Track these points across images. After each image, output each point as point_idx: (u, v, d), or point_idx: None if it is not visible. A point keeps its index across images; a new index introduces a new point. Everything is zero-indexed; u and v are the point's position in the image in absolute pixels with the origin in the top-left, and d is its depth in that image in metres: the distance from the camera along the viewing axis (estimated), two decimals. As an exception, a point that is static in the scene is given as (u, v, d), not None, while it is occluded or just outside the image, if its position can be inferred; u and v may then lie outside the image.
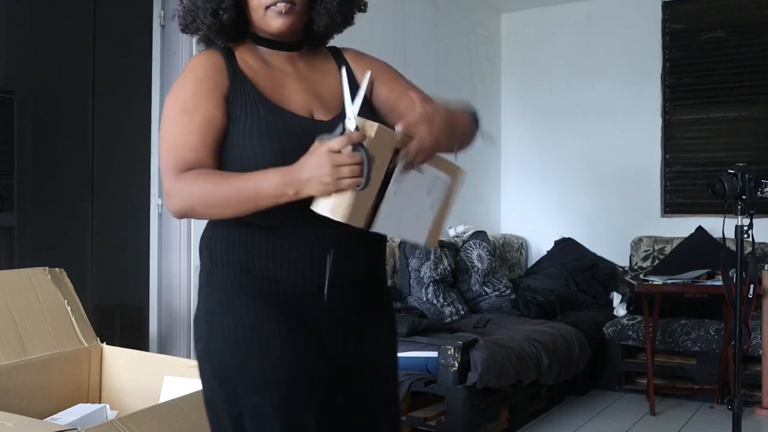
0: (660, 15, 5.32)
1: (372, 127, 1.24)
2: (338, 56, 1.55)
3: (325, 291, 1.37)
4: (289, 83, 1.45)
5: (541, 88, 5.72)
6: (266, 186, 1.27)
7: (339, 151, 1.21)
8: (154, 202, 3.29)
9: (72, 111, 5.39)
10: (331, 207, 1.23)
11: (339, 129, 1.25)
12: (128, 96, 4.74)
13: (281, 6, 1.38)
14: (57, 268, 2.31)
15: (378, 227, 1.29)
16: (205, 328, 1.40)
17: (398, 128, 1.26)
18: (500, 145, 5.88)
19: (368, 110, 1.44)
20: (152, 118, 3.32)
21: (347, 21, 1.52)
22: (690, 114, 5.25)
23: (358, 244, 1.41)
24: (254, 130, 1.35)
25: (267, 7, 1.39)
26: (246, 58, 1.45)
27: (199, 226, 3.25)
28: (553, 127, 5.67)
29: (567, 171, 5.60)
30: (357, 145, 1.22)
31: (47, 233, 5.27)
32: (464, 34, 5.45)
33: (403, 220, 1.34)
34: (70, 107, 5.39)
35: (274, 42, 1.46)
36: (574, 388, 4.28)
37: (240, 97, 1.39)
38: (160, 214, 3.29)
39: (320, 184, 1.22)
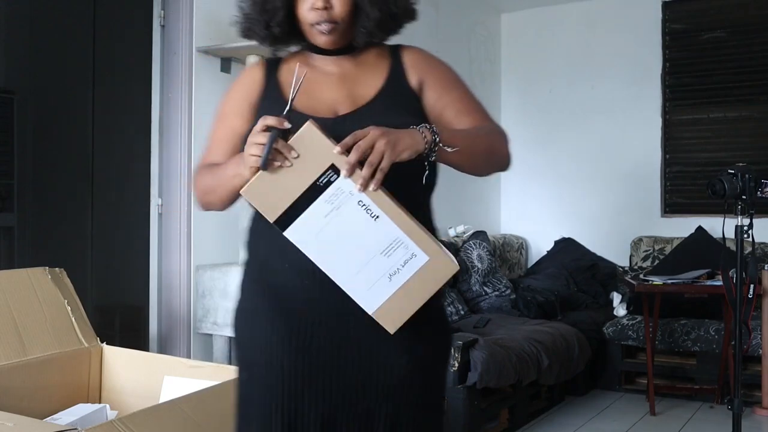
0: (660, 15, 5.32)
1: (307, 125, 1.24)
2: (395, 55, 1.56)
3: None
4: (324, 85, 1.50)
5: (541, 88, 5.72)
6: (230, 167, 1.38)
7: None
8: (154, 202, 3.30)
9: (72, 111, 5.39)
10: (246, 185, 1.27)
11: (293, 91, 1.30)
12: (128, 96, 4.74)
13: (324, 27, 1.44)
14: (57, 268, 2.31)
15: (291, 233, 1.26)
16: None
17: (336, 149, 1.23)
18: (500, 145, 5.87)
19: (420, 115, 1.46)
20: (152, 118, 3.32)
21: (391, 33, 1.55)
22: (690, 114, 5.25)
23: None
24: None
25: (312, 26, 1.45)
26: (292, 64, 1.51)
27: (199, 227, 3.26)
28: (553, 127, 5.67)
29: (567, 171, 5.60)
30: (270, 128, 1.24)
31: (47, 233, 5.27)
32: (464, 34, 5.45)
33: (336, 256, 1.27)
34: (70, 107, 5.39)
35: (326, 50, 1.51)
36: (574, 388, 4.28)
37: (266, 104, 1.49)
38: (160, 214, 3.29)
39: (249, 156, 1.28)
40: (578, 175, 5.55)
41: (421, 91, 1.52)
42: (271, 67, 1.55)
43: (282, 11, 1.46)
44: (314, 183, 1.24)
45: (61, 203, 5.35)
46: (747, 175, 2.95)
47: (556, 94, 5.66)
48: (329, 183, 1.24)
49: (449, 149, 1.32)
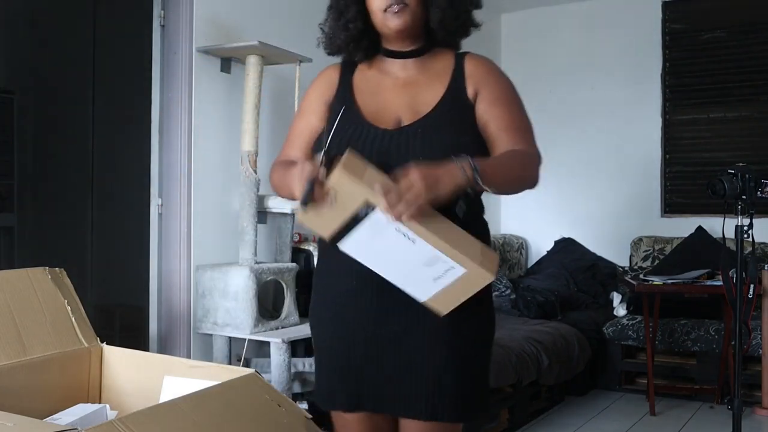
0: (660, 15, 5.32)
1: (338, 171, 1.38)
2: (459, 62, 1.68)
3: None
4: (391, 90, 1.64)
5: (541, 89, 5.71)
6: (291, 178, 1.46)
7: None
8: (154, 202, 3.29)
9: (72, 111, 5.39)
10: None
11: (329, 136, 1.52)
12: (128, 96, 4.74)
13: (395, 6, 1.55)
14: (57, 268, 2.31)
15: (344, 247, 1.45)
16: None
17: (377, 187, 1.35)
18: (500, 145, 5.87)
19: (474, 127, 1.59)
20: (152, 118, 3.32)
21: (463, 19, 1.68)
22: (690, 114, 5.25)
23: None
24: (329, 134, 1.58)
25: (384, 10, 1.57)
26: (366, 70, 1.69)
27: (199, 227, 3.26)
28: (553, 127, 5.67)
29: (567, 171, 5.60)
30: (313, 177, 1.38)
31: (47, 233, 5.27)
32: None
33: (386, 264, 1.47)
34: (70, 107, 5.39)
35: (394, 52, 1.65)
36: (574, 388, 4.28)
37: (337, 105, 1.63)
38: (160, 214, 3.29)
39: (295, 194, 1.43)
40: (578, 175, 5.56)
41: (475, 100, 1.62)
42: (346, 69, 1.70)
43: (353, 7, 1.61)
44: (354, 215, 1.40)
45: (61, 203, 5.35)
46: (747, 175, 2.95)
47: (556, 94, 5.65)
48: (367, 214, 1.39)
49: (486, 188, 1.44)
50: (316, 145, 1.69)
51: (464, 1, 1.68)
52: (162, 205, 3.28)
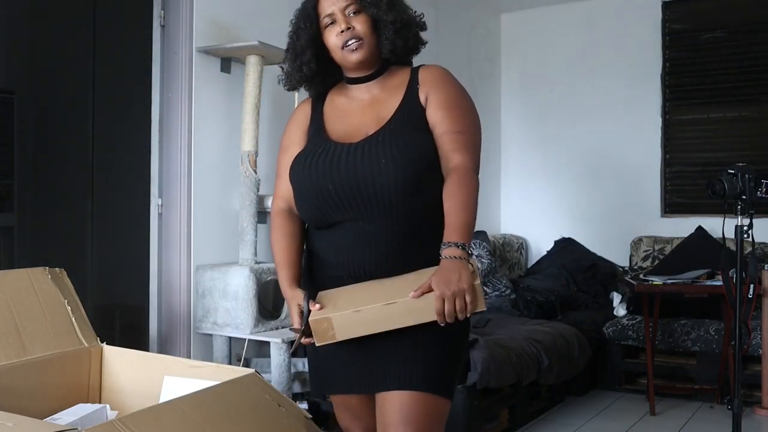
0: (660, 15, 5.32)
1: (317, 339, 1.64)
2: (414, 73, 1.82)
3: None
4: (356, 111, 1.80)
5: (541, 88, 5.72)
6: (280, 278, 1.78)
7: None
8: (154, 202, 3.29)
9: (72, 111, 5.39)
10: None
11: (305, 307, 1.66)
12: (128, 96, 4.74)
13: (352, 44, 1.75)
14: (57, 268, 2.31)
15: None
16: None
17: (412, 295, 1.57)
18: (500, 145, 5.88)
19: (422, 123, 1.74)
20: (152, 118, 3.32)
21: (411, 42, 1.81)
22: (690, 114, 5.25)
23: (377, 240, 1.70)
24: (305, 151, 1.78)
25: (342, 47, 1.75)
26: (334, 97, 1.86)
27: (199, 227, 3.26)
28: (553, 127, 5.67)
29: (567, 171, 5.60)
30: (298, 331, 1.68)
31: (47, 233, 5.27)
32: (464, 34, 5.45)
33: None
34: (70, 107, 5.39)
35: (356, 78, 1.82)
36: (574, 388, 4.28)
37: (311, 132, 1.83)
38: (160, 214, 3.29)
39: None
40: (578, 175, 5.55)
41: (426, 105, 1.76)
42: (317, 101, 1.87)
43: (309, 51, 1.80)
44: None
45: (61, 203, 5.35)
46: (747, 175, 2.95)
47: (556, 94, 5.66)
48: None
49: (472, 256, 1.70)
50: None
51: (410, 28, 1.80)
52: (162, 205, 3.28)
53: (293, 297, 1.72)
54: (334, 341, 1.63)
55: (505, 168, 5.86)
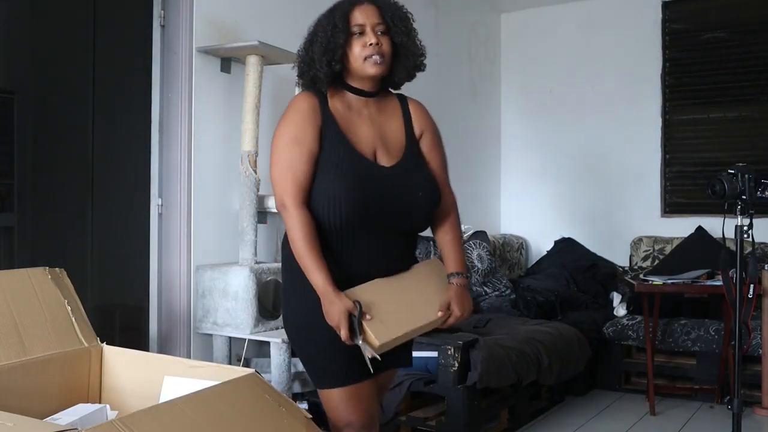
0: (660, 15, 5.32)
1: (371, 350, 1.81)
2: (403, 103, 2.03)
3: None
4: (361, 125, 1.93)
5: (541, 88, 5.72)
6: (314, 280, 1.82)
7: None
8: (154, 202, 3.29)
9: (72, 111, 5.39)
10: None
11: (356, 322, 1.79)
12: (128, 96, 4.74)
13: (376, 58, 1.88)
14: (57, 268, 2.31)
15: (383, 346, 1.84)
16: (286, 298, 2.01)
17: (440, 313, 1.92)
18: (500, 145, 5.88)
19: (421, 155, 2.00)
20: (152, 118, 3.32)
21: (413, 74, 2.00)
22: (690, 114, 5.25)
23: (393, 252, 1.96)
24: (334, 167, 1.85)
25: (365, 59, 1.87)
26: (334, 100, 1.93)
27: (199, 227, 3.26)
28: (553, 127, 5.67)
29: (567, 171, 5.60)
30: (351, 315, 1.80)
31: (47, 233, 5.27)
32: (464, 34, 5.45)
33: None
34: (70, 107, 5.39)
35: (358, 89, 1.94)
36: (574, 388, 4.28)
37: (329, 134, 1.88)
38: (160, 214, 3.29)
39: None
40: (578, 175, 5.55)
41: (420, 138, 2.01)
42: (322, 100, 1.92)
43: (341, 49, 1.87)
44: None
45: (61, 203, 5.35)
46: (747, 175, 2.95)
47: (556, 94, 5.66)
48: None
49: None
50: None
51: (419, 57, 1.96)
52: (162, 205, 3.28)
53: (341, 303, 1.79)
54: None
55: (505, 168, 5.86)
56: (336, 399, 1.92)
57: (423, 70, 2.02)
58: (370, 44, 1.86)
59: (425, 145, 2.00)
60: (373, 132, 1.93)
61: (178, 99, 3.26)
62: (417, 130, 2.00)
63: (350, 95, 1.95)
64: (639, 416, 3.92)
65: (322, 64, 1.88)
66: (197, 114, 3.26)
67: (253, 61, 3.19)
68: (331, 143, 1.87)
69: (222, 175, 3.37)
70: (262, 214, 3.32)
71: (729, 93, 5.12)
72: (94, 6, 5.31)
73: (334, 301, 1.79)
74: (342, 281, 1.83)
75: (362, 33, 1.88)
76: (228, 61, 3.38)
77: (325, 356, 1.89)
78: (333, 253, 1.87)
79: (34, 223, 5.29)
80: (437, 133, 2.05)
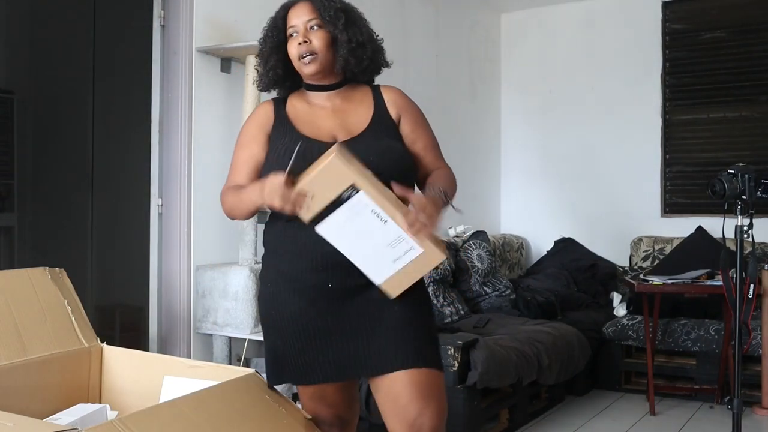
0: (660, 15, 5.32)
1: (334, 159, 1.67)
2: (377, 93, 2.00)
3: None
4: (322, 116, 1.94)
5: (541, 89, 5.72)
6: (249, 196, 1.82)
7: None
8: (154, 202, 3.29)
9: (72, 111, 5.39)
10: None
11: (291, 161, 1.71)
12: (128, 96, 4.74)
13: (306, 57, 1.89)
14: (57, 268, 2.31)
15: (321, 229, 1.71)
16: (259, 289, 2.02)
17: (397, 189, 1.73)
18: (500, 145, 5.88)
19: (400, 140, 1.93)
20: (152, 118, 3.32)
21: (365, 63, 1.95)
22: (690, 114, 5.25)
23: None
24: (278, 151, 1.88)
25: (299, 58, 1.90)
26: (295, 101, 1.99)
27: (199, 227, 3.26)
28: (553, 127, 5.67)
29: (567, 171, 5.60)
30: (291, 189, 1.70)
31: (47, 233, 5.27)
32: (464, 34, 5.45)
33: (355, 245, 1.72)
34: (70, 107, 5.39)
35: (315, 86, 1.96)
36: (574, 388, 4.28)
37: (277, 132, 1.93)
38: (160, 214, 3.29)
39: (276, 206, 1.72)
40: (578, 175, 5.55)
41: (398, 121, 1.97)
42: (279, 105, 1.99)
43: (274, 56, 1.95)
44: (339, 196, 1.67)
45: (61, 203, 5.35)
46: (747, 175, 2.95)
47: (556, 94, 5.66)
48: (350, 197, 1.67)
49: (453, 208, 1.88)
50: (261, 173, 1.91)
51: (365, 49, 1.93)
52: (162, 205, 3.28)
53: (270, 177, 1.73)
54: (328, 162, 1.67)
55: (505, 168, 5.86)
56: (304, 393, 1.95)
57: (373, 60, 1.96)
58: (299, 44, 1.89)
59: (407, 127, 1.96)
60: (334, 121, 1.93)
61: (178, 99, 3.26)
62: (393, 114, 1.96)
63: (309, 92, 1.98)
64: (639, 416, 3.92)
65: (264, 74, 1.98)
66: (197, 114, 3.26)
67: (253, 61, 3.19)
68: (280, 138, 1.90)
69: (222, 175, 3.32)
70: (262, 214, 3.30)
71: (729, 93, 5.12)
72: (94, 6, 5.31)
73: (264, 182, 1.74)
74: (297, 260, 1.83)
75: (295, 33, 1.92)
76: (228, 61, 3.38)
77: (281, 351, 1.89)
78: (289, 237, 1.85)
79: (34, 223, 5.29)
80: (418, 113, 2.01)
